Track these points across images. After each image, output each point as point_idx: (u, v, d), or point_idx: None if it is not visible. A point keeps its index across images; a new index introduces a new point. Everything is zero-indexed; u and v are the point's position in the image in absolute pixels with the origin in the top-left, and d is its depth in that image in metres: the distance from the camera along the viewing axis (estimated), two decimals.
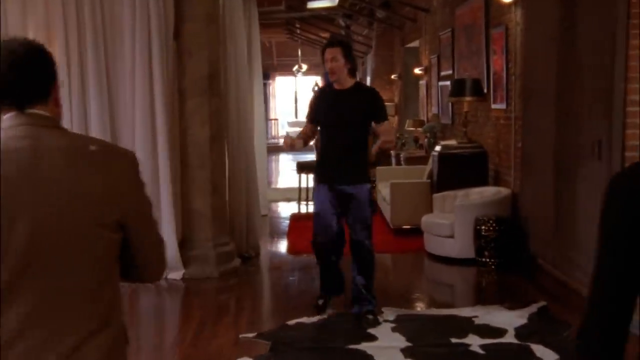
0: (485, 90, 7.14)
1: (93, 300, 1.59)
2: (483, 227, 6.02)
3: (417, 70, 11.24)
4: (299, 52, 22.40)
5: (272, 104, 24.94)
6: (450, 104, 9.04)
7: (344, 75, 4.54)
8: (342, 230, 4.93)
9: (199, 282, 5.82)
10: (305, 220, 8.66)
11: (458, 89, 7.08)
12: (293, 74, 23.24)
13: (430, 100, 10.52)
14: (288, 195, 10.78)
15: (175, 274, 5.86)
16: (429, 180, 7.75)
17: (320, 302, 4.98)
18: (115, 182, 1.62)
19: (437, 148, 7.21)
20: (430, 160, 8.28)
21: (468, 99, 7.04)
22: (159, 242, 1.80)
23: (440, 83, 9.66)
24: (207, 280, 5.85)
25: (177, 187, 5.90)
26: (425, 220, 6.64)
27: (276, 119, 24.44)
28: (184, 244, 5.98)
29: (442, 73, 9.59)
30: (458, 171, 6.92)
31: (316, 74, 24.23)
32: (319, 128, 4.75)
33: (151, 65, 5.63)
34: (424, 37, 10.94)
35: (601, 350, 1.22)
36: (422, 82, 11.15)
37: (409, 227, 7.53)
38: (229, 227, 6.38)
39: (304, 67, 22.74)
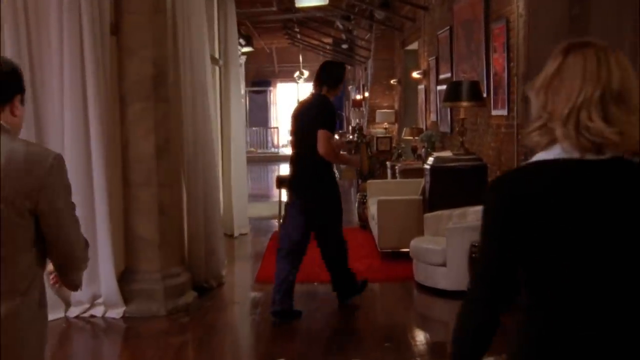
0: (484, 95, 6.22)
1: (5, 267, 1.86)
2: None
3: (415, 74, 10.32)
4: (300, 58, 21.56)
5: (272, 112, 24.09)
6: (449, 111, 8.11)
7: None
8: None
9: (143, 321, 4.91)
10: None
11: (454, 92, 6.16)
12: (294, 80, 22.39)
13: (429, 106, 9.59)
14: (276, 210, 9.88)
15: (114, 311, 4.96)
16: (421, 197, 6.82)
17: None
18: (30, 179, 1.86)
19: (430, 160, 6.28)
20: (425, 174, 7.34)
21: (465, 104, 6.11)
22: (73, 244, 1.99)
23: (439, 87, 8.74)
24: (152, 319, 4.94)
25: (117, 209, 5.01)
26: (414, 245, 5.71)
27: (277, 128, 23.54)
28: (125, 275, 5.08)
29: (441, 76, 8.67)
30: (453, 187, 5.98)
31: None
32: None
33: (83, 65, 4.74)
34: (423, 38, 10.03)
35: (482, 316, 1.53)
36: (421, 87, 10.23)
37: (398, 250, 6.62)
38: (183, 255, 5.48)
39: (306, 73, 21.89)
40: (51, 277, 2.11)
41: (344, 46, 18.61)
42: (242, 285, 6.09)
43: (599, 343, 1.43)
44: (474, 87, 6.12)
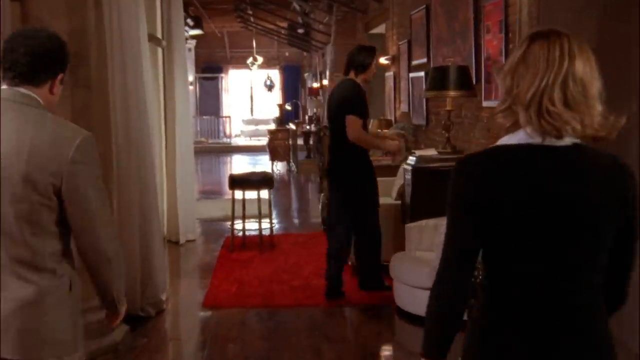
0: (474, 83, 5.29)
1: (24, 247, 1.86)
2: (478, 277, 4.14)
3: (382, 60, 9.34)
4: (254, 43, 20.42)
5: (224, 99, 22.87)
6: (424, 101, 7.17)
7: None
8: None
9: None
10: (240, 251, 6.72)
11: (438, 80, 5.21)
12: (248, 66, 21.23)
13: (399, 95, 8.65)
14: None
15: None
16: (399, 202, 5.87)
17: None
18: (56, 158, 1.83)
19: (411, 160, 5.33)
20: (401, 175, 6.40)
21: (452, 93, 5.18)
22: (100, 236, 1.91)
23: (412, 74, 7.79)
24: None
25: None
26: (396, 263, 4.76)
27: (229, 117, 22.35)
28: None
29: (414, 62, 7.73)
30: (439, 191, 4.99)
31: (272, 67, 22.29)
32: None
33: None
34: (392, 20, 9.07)
35: (452, 294, 1.60)
36: (389, 74, 9.27)
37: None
38: None
39: (260, 59, 20.77)
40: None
41: (300, 31, 17.55)
42: (188, 313, 5.03)
43: (555, 323, 1.53)
44: (463, 73, 5.19)
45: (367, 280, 5.29)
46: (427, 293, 4.34)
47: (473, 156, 1.62)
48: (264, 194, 6.97)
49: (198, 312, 4.94)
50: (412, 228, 4.98)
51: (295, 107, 20.40)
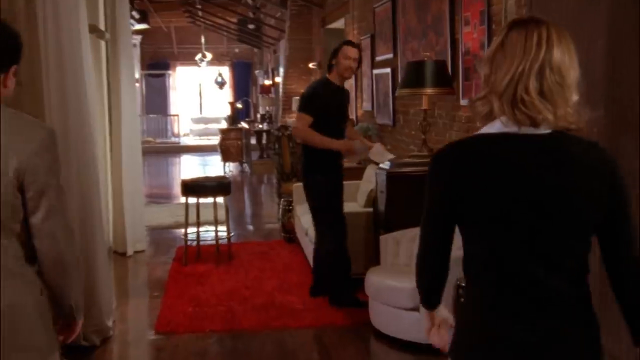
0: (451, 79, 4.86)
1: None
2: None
3: None
4: (202, 39, 19.69)
5: (172, 97, 22.06)
6: (391, 99, 6.73)
7: (350, 77, 5.11)
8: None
9: None
10: (195, 263, 6.15)
11: (413, 76, 4.77)
12: (196, 63, 20.49)
13: (361, 94, 8.19)
14: (183, 216, 8.24)
15: None
16: (369, 209, 5.41)
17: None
18: (19, 152, 1.77)
19: (384, 164, 4.86)
20: (368, 179, 5.94)
21: (429, 91, 4.74)
22: (57, 236, 1.86)
23: (376, 71, 7.35)
24: None
25: None
26: (373, 280, 4.28)
27: (177, 115, 21.56)
28: None
29: (378, 58, 7.28)
30: (417, 199, 4.57)
31: (221, 64, 21.61)
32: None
33: None
34: (352, 14, 8.61)
35: (434, 268, 1.72)
36: None
37: None
38: None
39: (209, 56, 20.05)
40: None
41: (251, 26, 16.97)
42: (138, 340, 4.44)
43: (531, 307, 1.55)
44: (440, 69, 4.75)
45: (336, 294, 4.86)
46: (410, 315, 3.92)
47: (451, 145, 1.65)
48: (220, 199, 6.41)
49: (150, 338, 4.36)
50: (388, 239, 4.52)
51: (246, 105, 19.79)
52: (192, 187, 6.03)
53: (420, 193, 4.50)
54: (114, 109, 6.67)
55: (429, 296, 1.78)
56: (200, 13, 17.11)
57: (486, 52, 1.61)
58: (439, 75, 4.72)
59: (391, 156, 5.16)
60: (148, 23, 13.99)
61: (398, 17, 6.47)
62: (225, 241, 6.35)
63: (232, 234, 6.50)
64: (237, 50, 22.16)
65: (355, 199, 6.53)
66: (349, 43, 5.02)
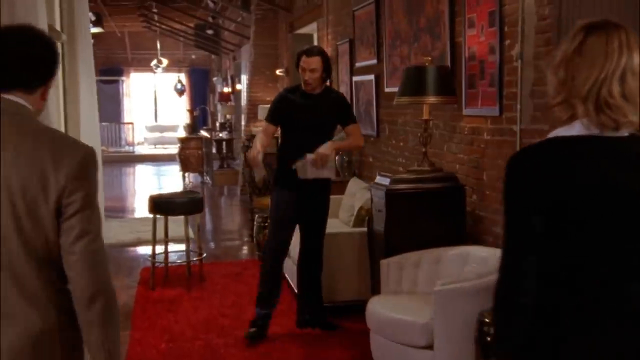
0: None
1: (29, 276, 1.73)
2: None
3: None
4: (158, 45, 18.99)
5: (126, 104, 21.23)
6: (375, 108, 6.29)
7: (319, 84, 4.47)
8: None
9: None
10: (164, 287, 5.55)
11: (414, 83, 4.32)
12: (151, 70, 19.75)
13: None
14: (145, 232, 7.61)
15: None
16: (359, 230, 4.94)
17: (253, 330, 4.38)
18: (56, 173, 1.68)
19: (382, 180, 4.39)
20: (362, 196, 5.48)
21: (432, 99, 4.30)
22: (97, 261, 1.73)
23: (356, 78, 6.89)
24: None
25: None
26: (375, 311, 3.79)
27: (131, 123, 20.74)
28: None
29: (359, 64, 6.83)
30: (418, 218, 4.16)
31: (178, 70, 20.91)
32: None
33: None
34: (325, 18, 8.15)
35: (514, 313, 1.50)
36: None
37: (335, 303, 4.75)
38: None
39: (165, 62, 19.36)
40: None
41: (209, 31, 16.37)
42: None
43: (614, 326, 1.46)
44: (444, 75, 4.32)
45: (306, 315, 4.62)
46: (422, 354, 3.48)
47: (530, 149, 1.59)
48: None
49: None
50: (390, 265, 4.04)
51: (204, 113, 19.15)
52: (161, 205, 5.44)
53: (421, 212, 4.03)
54: (71, 116, 6.05)
55: (521, 352, 1.51)
56: (156, 17, 16.43)
57: (558, 57, 1.58)
58: (442, 82, 4.28)
59: (324, 174, 4.42)
60: (102, 27, 13.25)
61: (383, 20, 6.04)
62: (195, 262, 5.79)
63: (204, 254, 5.93)
64: (194, 56, 21.50)
65: (337, 215, 6.06)
66: (305, 52, 4.47)
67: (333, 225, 5.73)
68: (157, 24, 17.29)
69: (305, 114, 4.41)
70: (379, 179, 4.43)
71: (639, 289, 1.47)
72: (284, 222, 4.46)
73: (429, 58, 4.45)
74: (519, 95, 3.79)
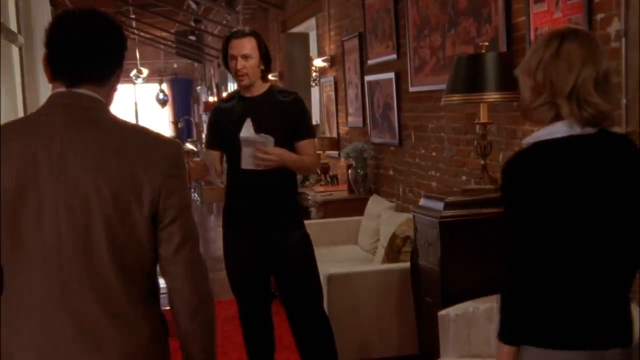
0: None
1: (118, 288, 1.61)
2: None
3: (318, 62, 7.40)
4: (137, 54, 17.90)
5: None
6: (396, 111, 5.27)
7: (257, 79, 3.23)
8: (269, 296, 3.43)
9: None
10: None
11: (468, 76, 3.32)
12: (131, 81, 18.64)
13: (345, 107, 6.70)
14: None
15: None
16: (403, 266, 3.91)
17: None
18: (146, 172, 1.55)
19: (431, 203, 3.35)
20: (388, 218, 4.47)
21: (493, 96, 3.29)
22: (195, 261, 1.63)
23: (368, 77, 5.89)
24: None
25: None
26: None
27: None
28: None
29: (372, 61, 5.82)
30: (485, 253, 3.14)
31: (160, 80, 19.81)
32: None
33: None
34: (327, 12, 7.14)
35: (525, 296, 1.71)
36: (327, 80, 7.33)
37: None
38: None
39: (145, 72, 18.25)
40: None
41: (192, 37, 15.34)
42: None
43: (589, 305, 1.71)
44: (507, 64, 3.32)
45: None
46: None
47: (525, 154, 1.71)
48: None
49: None
50: (452, 318, 3.01)
51: (188, 124, 18.09)
52: None
53: (488, 244, 2.99)
54: None
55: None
56: (134, 24, 15.38)
57: (532, 62, 1.74)
58: (504, 73, 3.28)
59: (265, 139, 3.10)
60: None
61: (404, 7, 5.04)
62: None
63: None
64: (175, 65, 20.43)
65: (356, 241, 5.06)
66: (233, 34, 3.26)
67: (354, 256, 4.73)
68: (136, 32, 16.25)
69: (240, 126, 3.13)
70: (425, 202, 3.41)
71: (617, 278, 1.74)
72: (242, 279, 3.32)
73: (486, 43, 3.44)
74: (623, 86, 2.80)
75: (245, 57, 3.17)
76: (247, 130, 3.06)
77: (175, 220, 1.57)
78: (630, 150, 1.74)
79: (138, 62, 18.09)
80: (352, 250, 4.92)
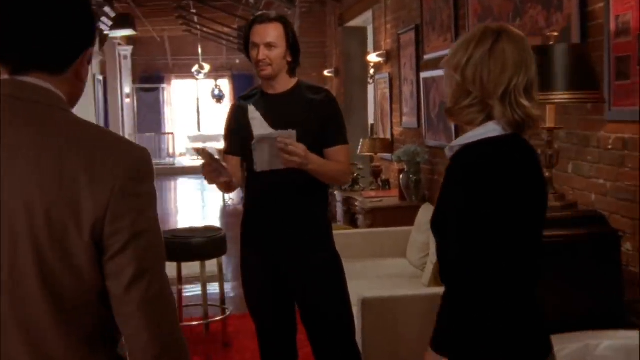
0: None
1: (50, 331, 1.27)
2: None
3: (373, 58, 6.93)
4: (199, 49, 17.84)
5: (167, 113, 20.13)
6: None
7: (282, 72, 2.75)
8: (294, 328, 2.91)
9: None
10: None
11: (537, 72, 2.78)
12: (193, 76, 18.61)
13: (400, 105, 6.22)
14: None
15: None
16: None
17: None
18: (95, 184, 1.20)
19: None
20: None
21: (562, 97, 2.75)
22: (164, 294, 1.30)
23: (424, 74, 5.39)
24: None
25: None
26: None
27: (172, 133, 19.64)
28: None
29: (429, 56, 5.32)
30: (550, 284, 2.62)
31: (221, 76, 19.72)
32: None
33: None
34: (383, 4, 6.66)
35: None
36: (382, 76, 6.85)
37: None
38: None
39: (207, 67, 18.19)
40: None
41: None
42: None
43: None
44: (580, 58, 2.78)
45: None
46: None
47: (462, 156, 1.66)
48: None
49: None
50: None
51: None
52: (169, 248, 4.02)
53: (555, 272, 2.49)
54: None
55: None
56: (196, 19, 15.26)
57: (462, 58, 1.65)
58: (577, 69, 2.74)
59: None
60: (134, 29, 12.07)
61: None
62: (217, 317, 4.38)
63: (228, 309, 4.49)
64: (237, 61, 20.25)
65: (404, 254, 4.60)
66: (256, 19, 2.77)
67: (401, 271, 4.27)
68: (198, 27, 16.14)
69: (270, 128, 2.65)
70: None
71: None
72: (262, 305, 2.87)
73: (555, 33, 2.90)
74: None
75: (269, 45, 2.70)
76: (261, 127, 2.61)
77: (126, 249, 1.22)
78: (534, 153, 1.74)
79: (200, 58, 18.04)
80: (400, 264, 4.45)
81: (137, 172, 1.25)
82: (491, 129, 1.63)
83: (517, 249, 1.62)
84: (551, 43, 2.81)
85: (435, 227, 1.70)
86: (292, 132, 2.51)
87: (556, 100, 2.77)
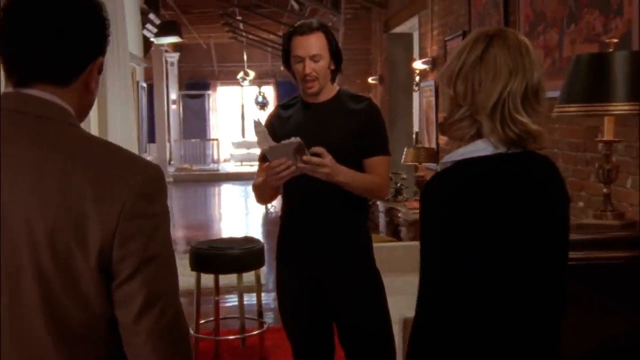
0: None
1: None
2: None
3: (418, 65, 6.76)
4: (245, 56, 17.91)
5: (212, 120, 20.26)
6: None
7: (327, 83, 2.63)
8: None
9: None
10: None
11: (590, 81, 2.61)
12: (238, 83, 18.69)
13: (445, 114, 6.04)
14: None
15: None
16: None
17: None
18: (102, 206, 1.12)
19: None
20: None
21: (620, 107, 2.56)
22: (177, 313, 1.23)
23: None
24: None
25: None
26: None
27: (217, 139, 19.75)
28: None
29: None
30: (606, 309, 2.44)
31: (265, 82, 19.76)
32: None
33: None
34: (430, 10, 6.50)
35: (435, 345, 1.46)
36: (427, 84, 6.68)
37: None
38: None
39: (251, 74, 18.24)
40: None
41: None
42: None
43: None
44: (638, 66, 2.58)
45: None
46: None
47: (446, 174, 1.52)
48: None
49: None
50: None
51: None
52: (206, 260, 3.93)
53: (611, 296, 2.29)
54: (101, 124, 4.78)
55: None
56: (241, 26, 15.32)
57: (454, 67, 1.52)
58: (637, 78, 2.55)
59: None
60: (180, 36, 12.15)
61: (514, 2, 4.34)
62: (255, 331, 4.27)
63: (266, 323, 4.38)
64: (282, 67, 20.28)
65: None
66: (297, 30, 2.60)
67: None
68: (244, 34, 16.21)
69: (307, 137, 2.44)
70: None
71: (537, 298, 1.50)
72: (298, 324, 2.73)
73: (614, 39, 2.71)
74: None
75: (314, 58, 2.55)
76: (265, 141, 2.46)
77: (135, 276, 1.14)
78: (553, 174, 1.57)
79: (245, 64, 18.11)
80: None
81: (148, 191, 1.17)
82: (481, 148, 1.48)
83: (493, 279, 1.45)
84: (610, 50, 2.62)
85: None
86: (297, 140, 2.38)
87: (615, 112, 2.58)
